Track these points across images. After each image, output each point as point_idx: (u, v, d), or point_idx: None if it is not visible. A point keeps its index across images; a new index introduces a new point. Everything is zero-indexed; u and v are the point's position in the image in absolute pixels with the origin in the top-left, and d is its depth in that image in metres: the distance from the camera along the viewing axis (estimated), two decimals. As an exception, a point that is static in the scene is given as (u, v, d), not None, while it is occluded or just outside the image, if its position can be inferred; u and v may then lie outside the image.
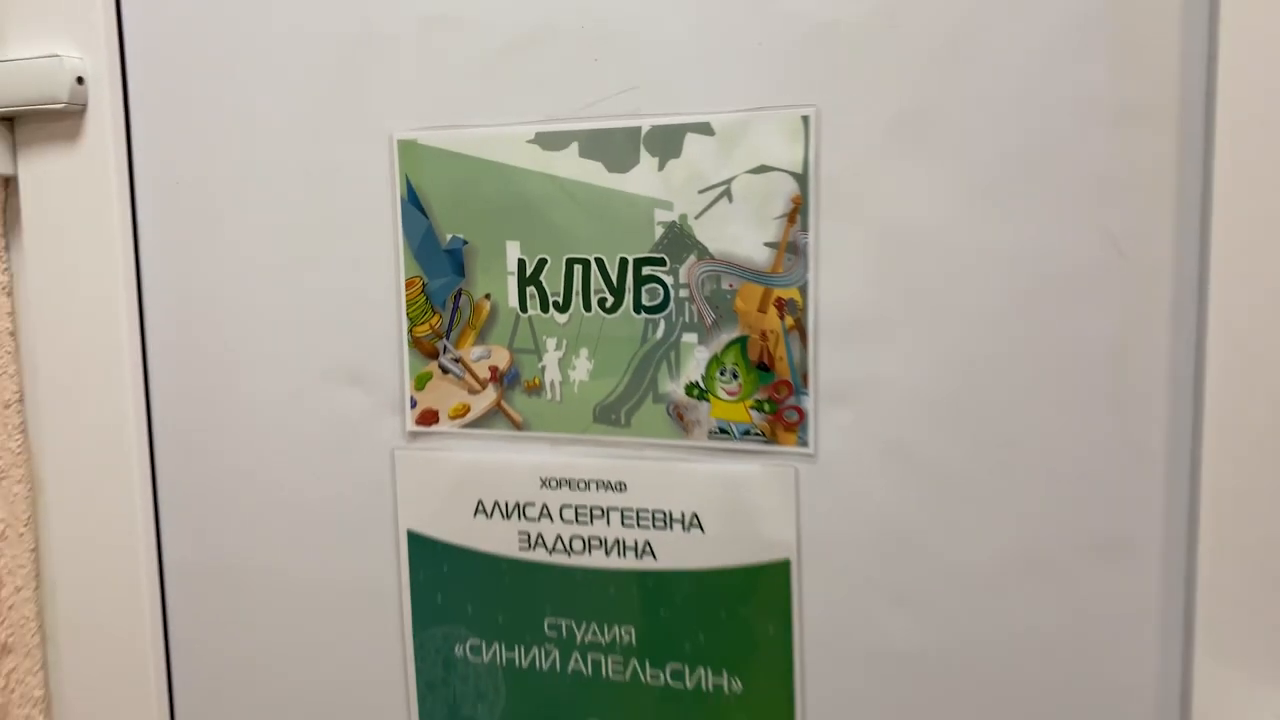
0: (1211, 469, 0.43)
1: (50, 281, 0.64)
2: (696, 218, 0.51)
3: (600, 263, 0.53)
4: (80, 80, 0.61)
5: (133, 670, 0.67)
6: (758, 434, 0.51)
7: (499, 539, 0.56)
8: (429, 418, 0.57)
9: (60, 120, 0.62)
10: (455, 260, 0.55)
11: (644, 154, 0.51)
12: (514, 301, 0.55)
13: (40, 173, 0.64)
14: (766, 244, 0.50)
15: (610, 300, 0.53)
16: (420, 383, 0.57)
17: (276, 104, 0.59)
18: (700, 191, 0.51)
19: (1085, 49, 0.44)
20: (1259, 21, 0.40)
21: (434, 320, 0.56)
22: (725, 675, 0.53)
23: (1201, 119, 0.43)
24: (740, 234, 0.50)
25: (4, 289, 0.68)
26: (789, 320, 0.50)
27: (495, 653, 0.57)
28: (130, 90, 0.62)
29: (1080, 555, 0.47)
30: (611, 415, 0.54)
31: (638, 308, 0.52)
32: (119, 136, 0.62)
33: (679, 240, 0.51)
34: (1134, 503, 0.46)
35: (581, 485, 0.55)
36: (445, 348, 0.56)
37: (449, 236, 0.55)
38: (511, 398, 0.55)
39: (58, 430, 0.66)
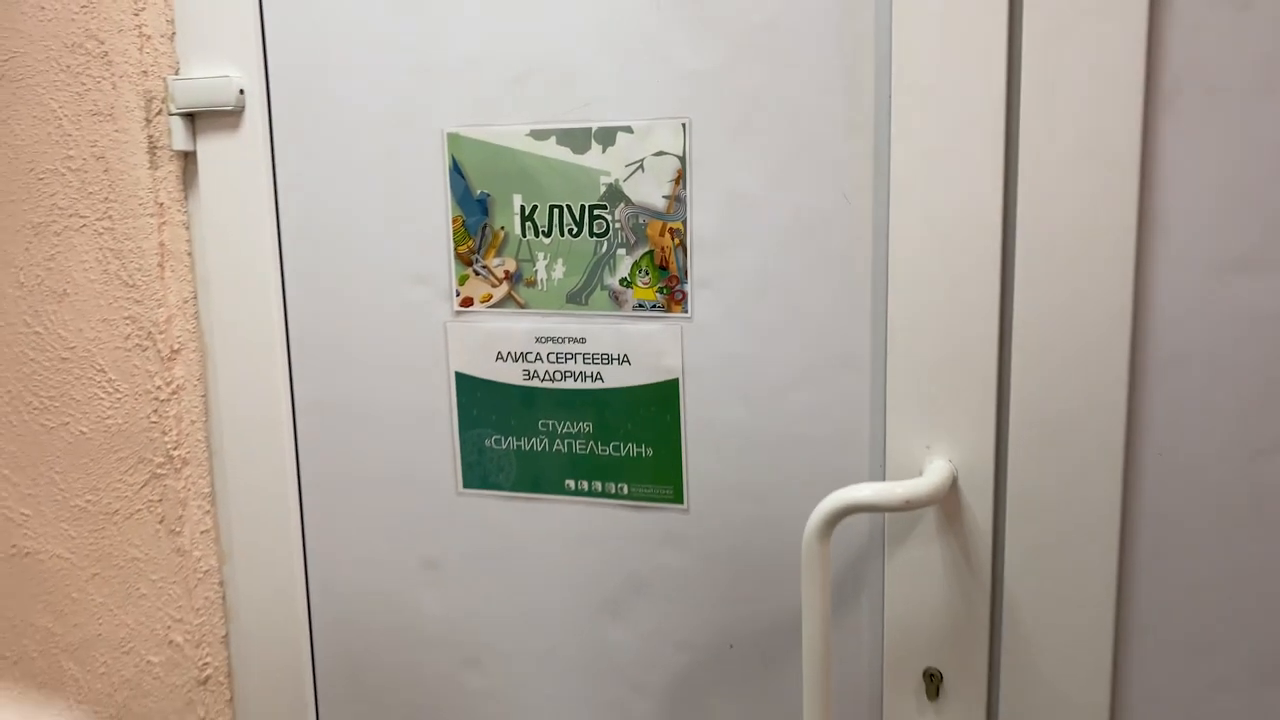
0: (896, 316, 0.81)
1: (216, 220, 1.01)
2: (625, 181, 0.88)
3: (569, 207, 0.90)
4: (241, 91, 0.97)
5: (274, 473, 1.04)
6: (661, 307, 0.89)
7: (511, 374, 0.94)
8: (467, 302, 0.94)
9: (226, 117, 0.98)
10: (482, 206, 0.92)
11: (594, 143, 0.88)
12: (518, 231, 0.92)
13: (211, 150, 0.99)
14: (664, 196, 0.87)
15: (575, 229, 0.90)
16: (461, 281, 0.94)
17: (372, 107, 0.95)
18: (626, 165, 0.87)
19: (826, 90, 0.81)
20: (918, 79, 0.77)
21: (470, 242, 0.93)
22: (643, 446, 0.92)
23: (886, 131, 0.80)
24: (649, 191, 0.87)
25: (184, 224, 1.04)
26: (676, 240, 0.87)
27: (509, 443, 0.96)
28: (273, 97, 0.98)
29: (833, 367, 0.85)
30: (577, 298, 0.91)
31: (591, 234, 0.90)
32: (265, 127, 0.98)
33: (615, 194, 0.88)
34: (856, 336, 0.84)
35: (559, 340, 0.92)
36: (476, 259, 0.93)
37: (478, 191, 0.92)
38: (517, 289, 0.93)
39: (221, 317, 1.03)
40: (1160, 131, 0.74)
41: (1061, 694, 0.82)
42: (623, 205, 0.88)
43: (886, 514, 0.83)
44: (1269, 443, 0.76)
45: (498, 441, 0.96)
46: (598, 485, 0.94)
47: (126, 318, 1.07)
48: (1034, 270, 0.77)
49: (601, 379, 0.92)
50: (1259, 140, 0.73)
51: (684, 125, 0.85)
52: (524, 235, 0.91)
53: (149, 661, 1.15)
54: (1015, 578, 0.82)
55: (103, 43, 1.01)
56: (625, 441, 0.92)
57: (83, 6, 1.00)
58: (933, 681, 0.85)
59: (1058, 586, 0.81)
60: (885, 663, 0.86)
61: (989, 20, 0.75)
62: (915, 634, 0.85)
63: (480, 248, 0.93)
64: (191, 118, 0.99)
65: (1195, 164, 0.74)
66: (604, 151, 0.88)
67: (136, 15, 0.99)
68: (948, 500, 0.81)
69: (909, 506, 0.77)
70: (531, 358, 0.93)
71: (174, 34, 0.99)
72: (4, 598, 1.21)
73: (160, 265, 1.04)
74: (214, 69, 0.97)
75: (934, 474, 0.80)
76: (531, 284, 0.92)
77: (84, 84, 1.02)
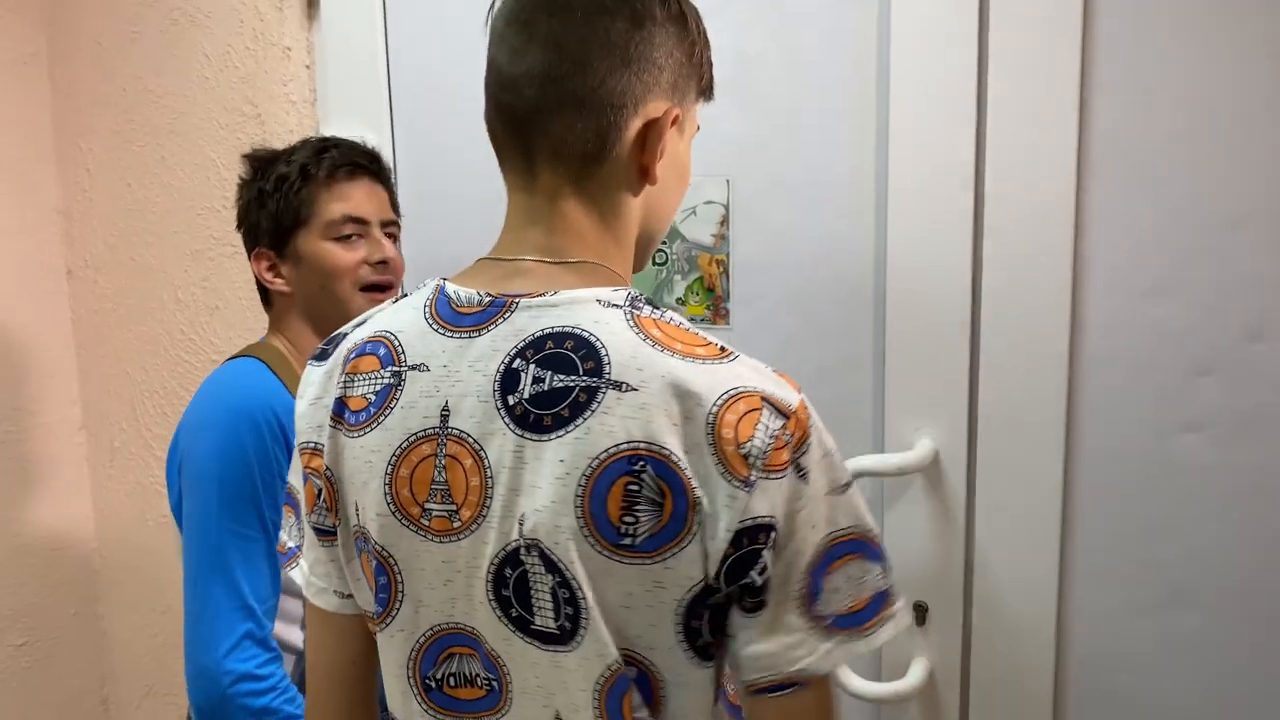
0: (892, 329, 1.05)
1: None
2: (681, 223, 1.12)
3: (636, 242, 1.14)
4: (373, 148, 1.21)
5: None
6: (708, 320, 1.14)
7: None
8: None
9: (358, 167, 1.23)
10: (567, 240, 1.17)
11: (657, 193, 1.13)
12: (595, 260, 1.16)
13: (344, 193, 1.24)
14: (711, 234, 1.12)
15: (641, 260, 1.15)
16: (548, 299, 1.19)
17: (484, 163, 1.19)
18: (682, 211, 1.12)
19: (836, 159, 1.06)
20: (907, 156, 1.02)
21: (556, 269, 1.18)
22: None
23: (885, 189, 1.05)
24: (700, 230, 1.12)
25: (319, 253, 1.29)
26: (721, 269, 1.12)
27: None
28: (397, 151, 1.22)
29: (842, 368, 1.10)
30: (641, 313, 1.16)
31: (653, 264, 1.14)
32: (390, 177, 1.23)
33: (673, 233, 1.13)
34: (861, 343, 1.08)
35: (627, 346, 1.17)
36: (561, 282, 1.18)
37: (564, 229, 1.17)
38: (593, 306, 1.17)
39: (350, 326, 1.28)
40: (1090, 193, 0.99)
41: (1020, 619, 1.07)
42: (679, 241, 1.13)
43: (885, 478, 1.08)
44: (1174, 425, 1.00)
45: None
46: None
47: (268, 327, 1.31)
48: (997, 295, 1.02)
49: (660, 377, 1.16)
50: (1163, 200, 0.97)
51: (728, 181, 1.10)
52: (600, 264, 1.16)
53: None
54: (984, 530, 1.07)
55: (257, 107, 1.25)
56: (679, 426, 1.17)
57: (241, 79, 1.25)
58: (920, 611, 1.10)
59: (1016, 537, 1.06)
60: (883, 597, 1.11)
61: (960, 114, 1.00)
62: (906, 574, 1.09)
63: (564, 273, 1.17)
64: (329, 168, 1.23)
65: (1116, 218, 0.99)
66: (664, 199, 1.12)
67: (285, 86, 1.24)
68: (931, 470, 1.06)
69: (901, 473, 1.02)
70: (604, 360, 1.18)
71: (315, 100, 1.24)
72: (155, 554, 1.45)
73: (298, 285, 1.28)
74: (350, 130, 1.21)
75: (921, 449, 1.04)
76: (605, 302, 1.17)
77: (239, 139, 1.27)
